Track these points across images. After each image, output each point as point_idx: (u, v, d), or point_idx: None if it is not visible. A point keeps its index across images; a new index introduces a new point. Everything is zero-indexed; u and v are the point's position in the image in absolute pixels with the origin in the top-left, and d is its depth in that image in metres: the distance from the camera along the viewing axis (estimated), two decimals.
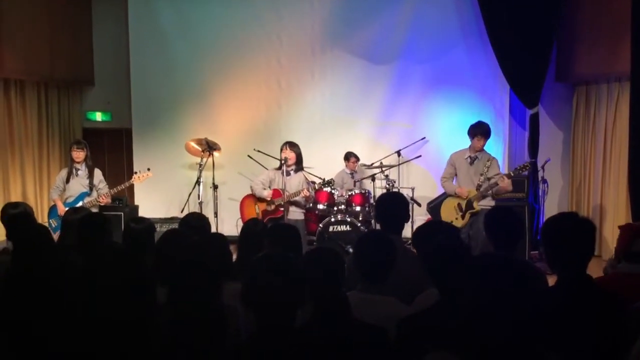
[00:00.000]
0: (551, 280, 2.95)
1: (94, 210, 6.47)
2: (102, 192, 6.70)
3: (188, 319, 2.41)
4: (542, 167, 7.77)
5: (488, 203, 6.26)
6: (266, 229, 3.79)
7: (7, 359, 2.09)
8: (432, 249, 2.70)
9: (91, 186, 6.72)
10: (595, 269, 3.08)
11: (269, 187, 6.61)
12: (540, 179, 7.81)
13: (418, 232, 3.37)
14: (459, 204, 6.37)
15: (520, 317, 1.98)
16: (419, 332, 2.45)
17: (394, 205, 3.71)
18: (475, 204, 6.23)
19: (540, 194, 7.80)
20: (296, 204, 6.57)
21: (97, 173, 6.83)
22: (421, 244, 3.13)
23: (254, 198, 6.74)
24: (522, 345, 1.93)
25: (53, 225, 6.52)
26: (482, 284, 2.03)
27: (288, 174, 6.48)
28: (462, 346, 2.02)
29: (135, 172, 7.04)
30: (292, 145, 6.53)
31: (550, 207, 8.14)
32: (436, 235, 2.89)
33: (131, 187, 8.42)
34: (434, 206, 7.70)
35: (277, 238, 3.47)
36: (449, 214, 6.47)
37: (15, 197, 7.59)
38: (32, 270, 2.19)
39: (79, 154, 6.71)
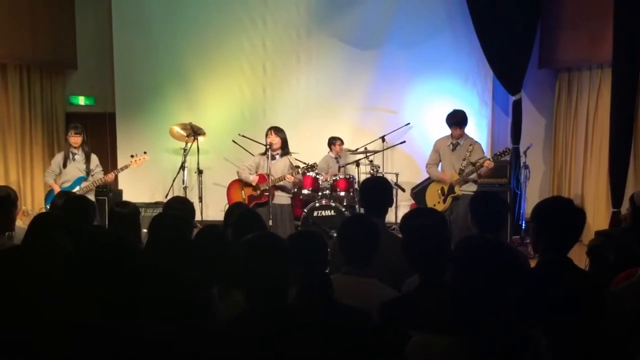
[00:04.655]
0: (532, 264, 3.01)
1: (90, 195, 6.47)
2: (97, 177, 6.70)
3: (170, 302, 2.44)
4: (524, 153, 7.85)
5: (469, 188, 6.33)
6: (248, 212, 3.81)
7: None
8: (414, 229, 2.74)
9: (87, 171, 6.70)
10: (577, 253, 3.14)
11: (255, 172, 6.61)
12: (522, 164, 7.88)
13: (406, 218, 3.41)
14: (442, 189, 6.44)
15: (506, 298, 2.01)
16: (402, 315, 2.49)
17: (378, 189, 3.74)
18: (457, 188, 6.31)
19: (522, 179, 7.87)
20: (282, 188, 6.57)
21: (94, 158, 6.82)
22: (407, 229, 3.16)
23: (241, 183, 6.74)
24: (509, 326, 1.97)
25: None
26: (469, 265, 2.06)
27: (273, 158, 6.49)
28: (447, 328, 2.05)
29: (132, 156, 6.98)
30: (277, 130, 6.53)
31: (532, 192, 8.22)
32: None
33: None
34: (418, 191, 7.77)
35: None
36: (433, 198, 6.55)
37: None
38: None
39: (77, 139, 6.69)
